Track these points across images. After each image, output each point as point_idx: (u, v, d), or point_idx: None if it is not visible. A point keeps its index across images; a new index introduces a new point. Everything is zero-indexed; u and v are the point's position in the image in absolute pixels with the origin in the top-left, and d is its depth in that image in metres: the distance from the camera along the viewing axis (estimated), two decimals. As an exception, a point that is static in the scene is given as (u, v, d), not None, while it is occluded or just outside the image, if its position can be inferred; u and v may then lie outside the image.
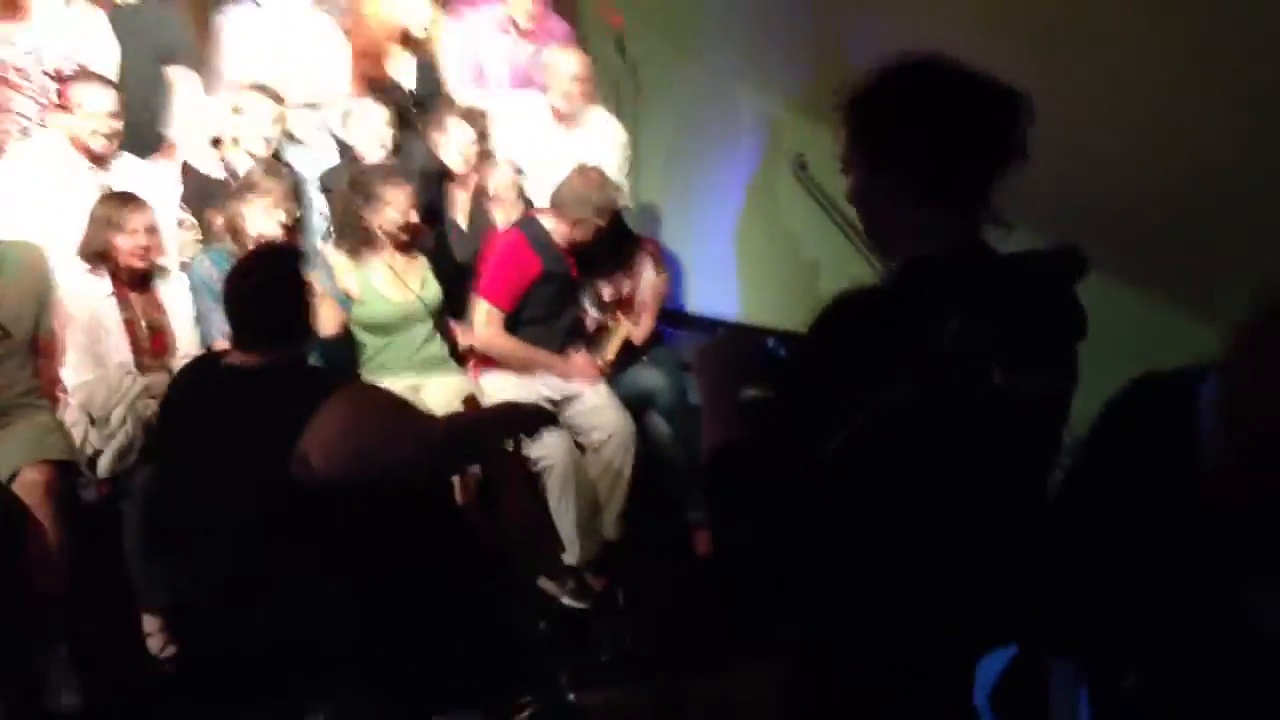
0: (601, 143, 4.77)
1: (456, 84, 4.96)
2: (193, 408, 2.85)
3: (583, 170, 4.19)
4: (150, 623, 3.53)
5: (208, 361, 2.91)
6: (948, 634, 1.35)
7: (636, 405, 4.25)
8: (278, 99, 4.26)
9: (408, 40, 4.82)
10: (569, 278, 4.22)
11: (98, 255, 3.71)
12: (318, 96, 4.62)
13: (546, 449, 3.95)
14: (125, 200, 3.77)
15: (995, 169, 1.49)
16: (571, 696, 3.08)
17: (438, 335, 4.21)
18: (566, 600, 3.98)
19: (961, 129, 1.48)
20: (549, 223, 4.17)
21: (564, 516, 3.99)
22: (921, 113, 1.49)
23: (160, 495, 3.22)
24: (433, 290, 4.19)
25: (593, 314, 4.36)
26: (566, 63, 4.66)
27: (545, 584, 4.00)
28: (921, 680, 1.36)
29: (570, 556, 3.99)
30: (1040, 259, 1.47)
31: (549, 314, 4.20)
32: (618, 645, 3.74)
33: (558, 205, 4.16)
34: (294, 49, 4.66)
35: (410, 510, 2.58)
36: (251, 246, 3.80)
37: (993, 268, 1.47)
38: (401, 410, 2.89)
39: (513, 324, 4.17)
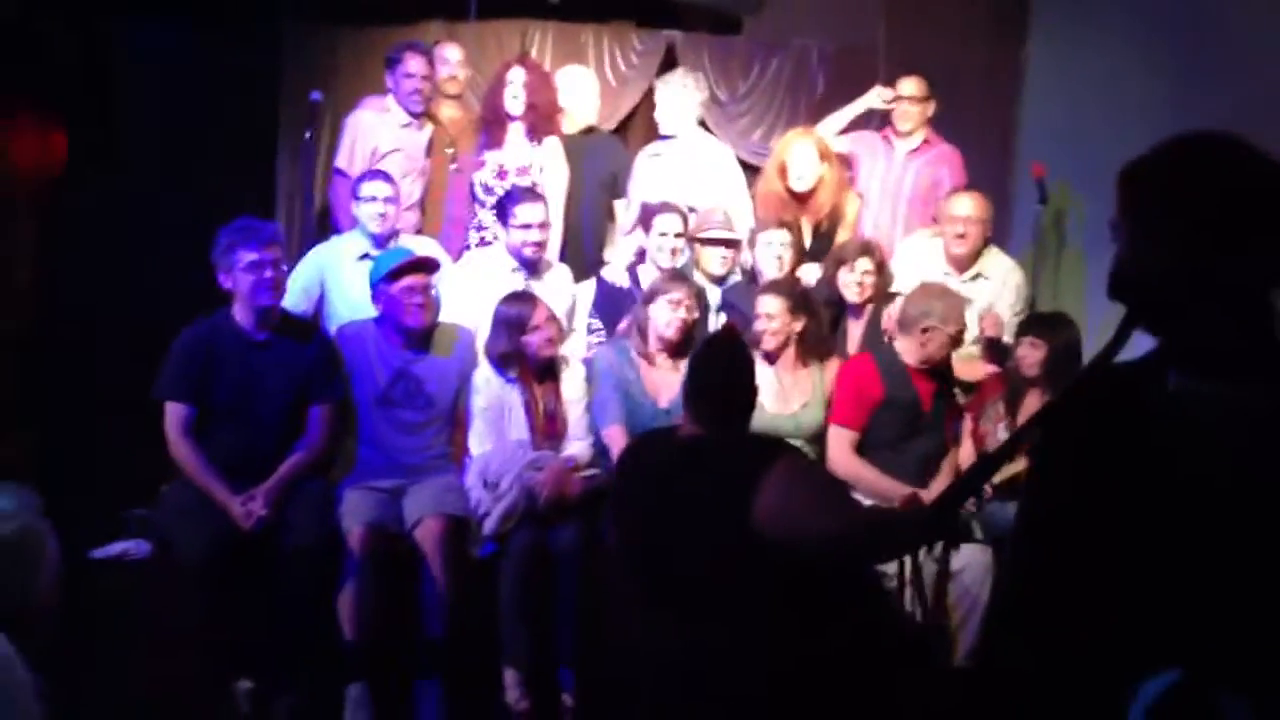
0: (996, 284, 4.76)
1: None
2: (644, 476, 3.02)
3: (924, 285, 4.25)
4: (510, 676, 3.86)
5: (658, 435, 3.18)
6: (1119, 656, 1.31)
7: (1000, 536, 4.13)
8: (684, 218, 4.66)
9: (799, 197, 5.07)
10: (917, 404, 4.21)
11: (504, 358, 4.13)
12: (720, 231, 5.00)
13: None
14: (522, 300, 4.17)
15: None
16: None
17: (811, 454, 4.33)
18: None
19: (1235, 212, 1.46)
20: (901, 345, 4.23)
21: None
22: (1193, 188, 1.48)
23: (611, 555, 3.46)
24: (812, 415, 4.31)
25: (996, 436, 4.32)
26: (963, 205, 4.72)
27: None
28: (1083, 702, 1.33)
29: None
30: None
31: (897, 439, 4.20)
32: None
33: (901, 322, 4.22)
34: (702, 181, 5.10)
35: (840, 586, 2.72)
36: (653, 347, 4.22)
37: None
38: (834, 492, 3.04)
39: (862, 448, 4.22)
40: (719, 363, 3.04)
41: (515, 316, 4.12)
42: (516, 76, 5.07)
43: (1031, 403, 4.33)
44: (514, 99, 5.04)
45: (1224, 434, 1.36)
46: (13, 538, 1.65)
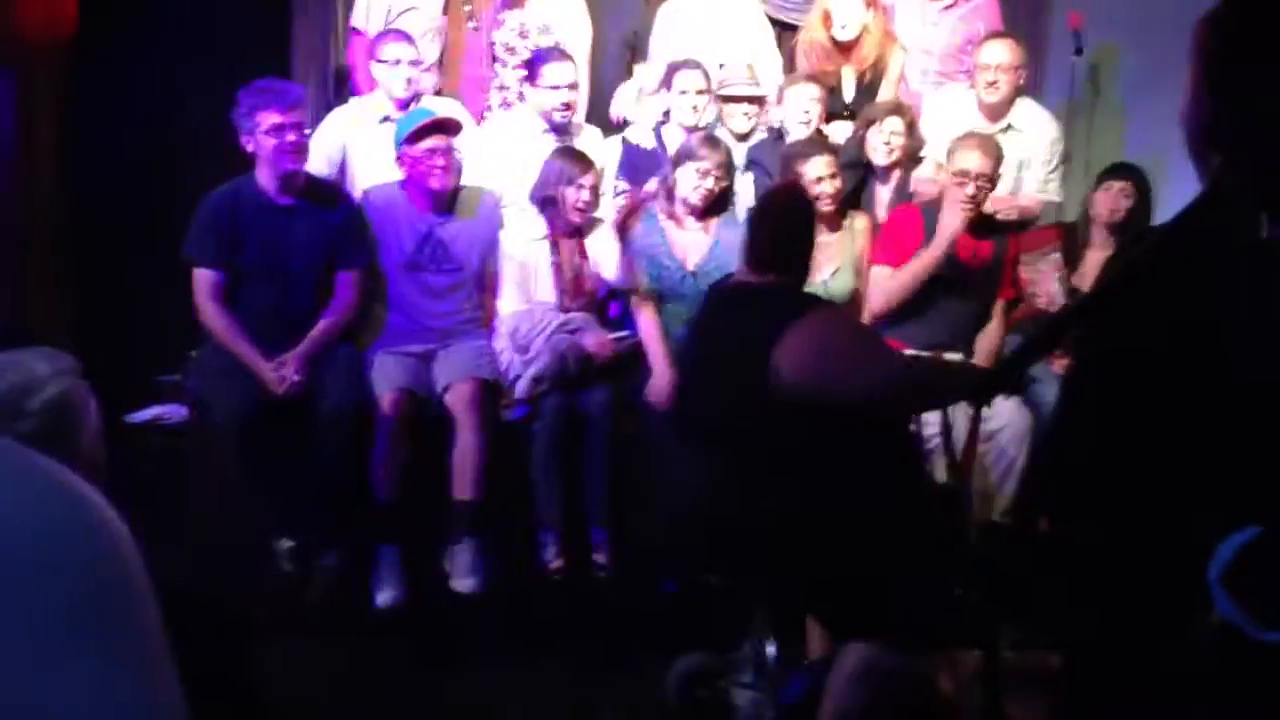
0: (1029, 136, 4.64)
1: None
2: (697, 321, 3.18)
3: (959, 137, 4.19)
4: (544, 536, 3.92)
5: (724, 281, 3.22)
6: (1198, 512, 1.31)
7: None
8: (706, 75, 4.55)
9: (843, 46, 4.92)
10: (955, 258, 4.15)
11: (547, 200, 4.12)
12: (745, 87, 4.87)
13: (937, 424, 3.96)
14: (579, 158, 4.14)
15: None
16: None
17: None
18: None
19: None
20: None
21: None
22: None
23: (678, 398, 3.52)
24: (841, 282, 4.27)
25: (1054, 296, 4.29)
26: (995, 52, 4.57)
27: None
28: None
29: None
30: None
31: (937, 293, 4.17)
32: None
33: (948, 170, 4.16)
34: (725, 36, 4.94)
35: (867, 435, 2.74)
36: (679, 210, 4.15)
37: None
38: (873, 342, 3.07)
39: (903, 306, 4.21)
40: (771, 213, 3.06)
41: (564, 169, 4.07)
42: (537, -72, 4.90)
43: (1095, 256, 4.27)
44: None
45: None
46: (56, 399, 1.65)
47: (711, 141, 4.23)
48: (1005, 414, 3.98)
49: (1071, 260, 4.32)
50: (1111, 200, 4.27)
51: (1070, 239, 4.37)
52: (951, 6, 5.01)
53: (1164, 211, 4.54)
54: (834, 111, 4.83)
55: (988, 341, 4.28)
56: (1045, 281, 4.31)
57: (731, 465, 2.85)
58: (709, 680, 3.03)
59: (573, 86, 4.49)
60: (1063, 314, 2.42)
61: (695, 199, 4.12)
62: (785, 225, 3.01)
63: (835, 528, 2.66)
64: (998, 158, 4.11)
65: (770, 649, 2.93)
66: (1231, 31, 1.49)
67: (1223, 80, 1.47)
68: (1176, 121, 1.59)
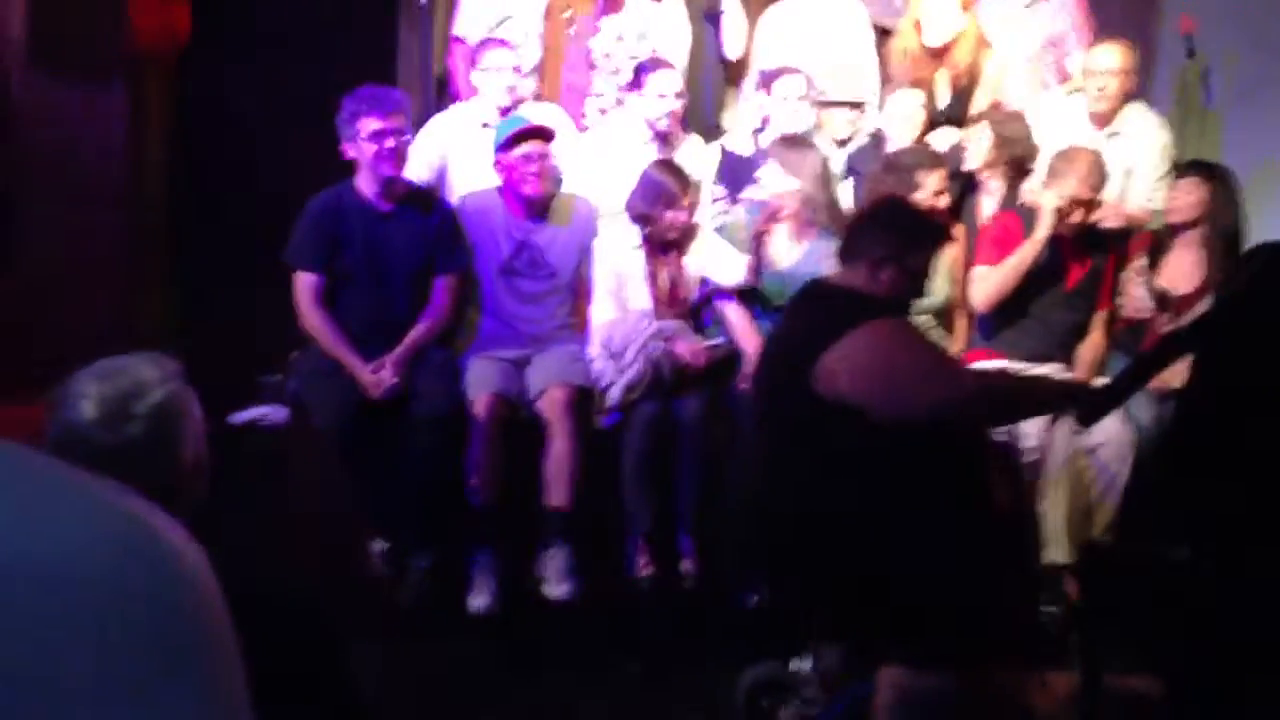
0: (1138, 143, 4.53)
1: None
2: (782, 318, 3.18)
3: (1060, 152, 4.11)
4: (634, 544, 3.91)
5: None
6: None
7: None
8: (807, 81, 4.51)
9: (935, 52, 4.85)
10: (1059, 270, 4.06)
11: (644, 215, 4.11)
12: (852, 93, 4.81)
13: (1040, 437, 3.88)
14: (678, 176, 4.09)
15: None
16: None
17: (933, 323, 4.28)
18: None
19: None
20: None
21: (1053, 512, 3.87)
22: None
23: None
24: (939, 289, 4.21)
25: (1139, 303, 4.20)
26: (1105, 57, 4.47)
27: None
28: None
29: (1053, 555, 3.86)
30: None
31: (1039, 307, 4.12)
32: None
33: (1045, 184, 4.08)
34: (827, 43, 4.91)
35: (927, 443, 2.70)
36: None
37: None
38: (939, 356, 3.03)
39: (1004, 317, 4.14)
40: (869, 213, 3.03)
41: (665, 189, 4.05)
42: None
43: (1180, 260, 4.15)
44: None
45: None
46: (162, 403, 1.69)
47: (799, 141, 4.19)
48: (1106, 430, 3.88)
49: (1154, 262, 4.21)
50: (1179, 197, 4.15)
51: (1156, 243, 4.25)
52: (1034, 4, 4.90)
53: (1273, 217, 4.41)
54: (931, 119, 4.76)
55: (1089, 353, 4.20)
56: (1132, 287, 4.20)
57: (786, 463, 2.83)
58: (774, 690, 3.00)
59: (679, 95, 4.49)
60: (1170, 339, 2.35)
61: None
62: (872, 228, 2.97)
63: (884, 532, 2.63)
64: (1100, 179, 4.03)
65: (828, 659, 2.90)
66: None
67: None
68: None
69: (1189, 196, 4.11)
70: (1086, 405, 2.07)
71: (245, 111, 5.15)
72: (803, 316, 2.94)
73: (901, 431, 2.64)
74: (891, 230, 2.91)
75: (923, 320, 4.19)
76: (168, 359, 1.82)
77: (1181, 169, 4.30)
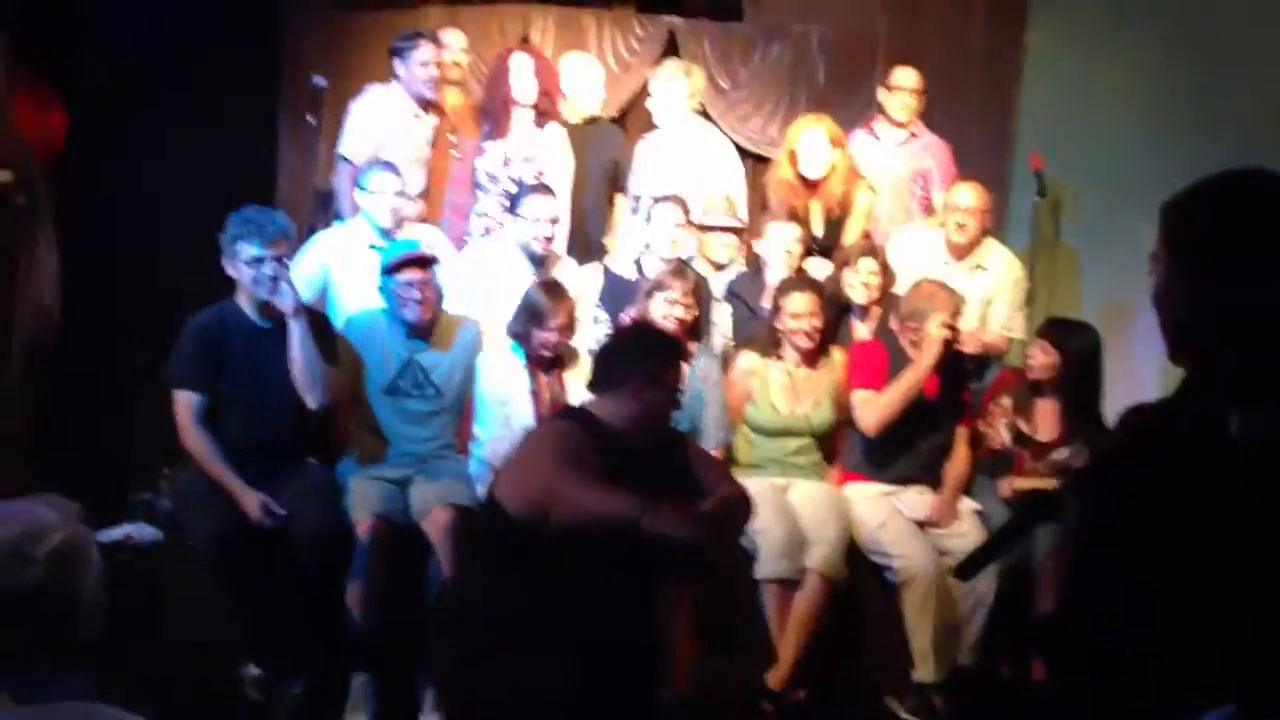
0: (995, 276, 4.80)
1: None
2: None
3: (917, 284, 4.32)
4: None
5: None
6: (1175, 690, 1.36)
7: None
8: (685, 208, 4.68)
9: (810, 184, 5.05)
10: (921, 396, 4.22)
11: (519, 337, 4.19)
12: (725, 219, 5.01)
13: (909, 560, 4.00)
14: (552, 294, 4.14)
15: None
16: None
17: (815, 448, 4.39)
18: (904, 716, 3.95)
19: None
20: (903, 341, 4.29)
21: (919, 632, 3.99)
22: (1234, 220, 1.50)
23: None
24: (823, 415, 4.34)
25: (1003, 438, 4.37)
26: (964, 195, 4.75)
27: (888, 699, 4.01)
28: None
29: (921, 674, 3.98)
30: None
31: (904, 432, 4.24)
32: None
33: (901, 319, 4.29)
34: (701, 169, 5.14)
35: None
36: None
37: None
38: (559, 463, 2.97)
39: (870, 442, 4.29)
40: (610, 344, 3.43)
41: (540, 307, 4.12)
42: (525, 63, 5.05)
43: (1043, 408, 4.35)
44: (525, 86, 5.01)
45: None
46: (62, 546, 1.68)
47: (682, 271, 4.33)
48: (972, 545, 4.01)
49: (1021, 406, 4.39)
50: (1036, 356, 4.34)
51: (1023, 384, 4.44)
52: (904, 143, 5.21)
53: (1133, 354, 4.66)
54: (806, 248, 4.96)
55: (955, 470, 4.33)
56: (997, 425, 4.39)
57: None
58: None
59: (553, 220, 4.60)
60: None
61: (668, 327, 4.19)
62: (617, 354, 3.21)
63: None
64: (959, 307, 4.27)
65: None
66: (1208, 223, 1.52)
67: (1203, 270, 1.48)
68: (1136, 266, 1.66)
69: (1046, 358, 4.30)
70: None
71: (121, 218, 5.10)
72: None
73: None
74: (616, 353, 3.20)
75: (803, 443, 4.33)
76: (63, 501, 1.81)
77: (1041, 329, 4.48)
